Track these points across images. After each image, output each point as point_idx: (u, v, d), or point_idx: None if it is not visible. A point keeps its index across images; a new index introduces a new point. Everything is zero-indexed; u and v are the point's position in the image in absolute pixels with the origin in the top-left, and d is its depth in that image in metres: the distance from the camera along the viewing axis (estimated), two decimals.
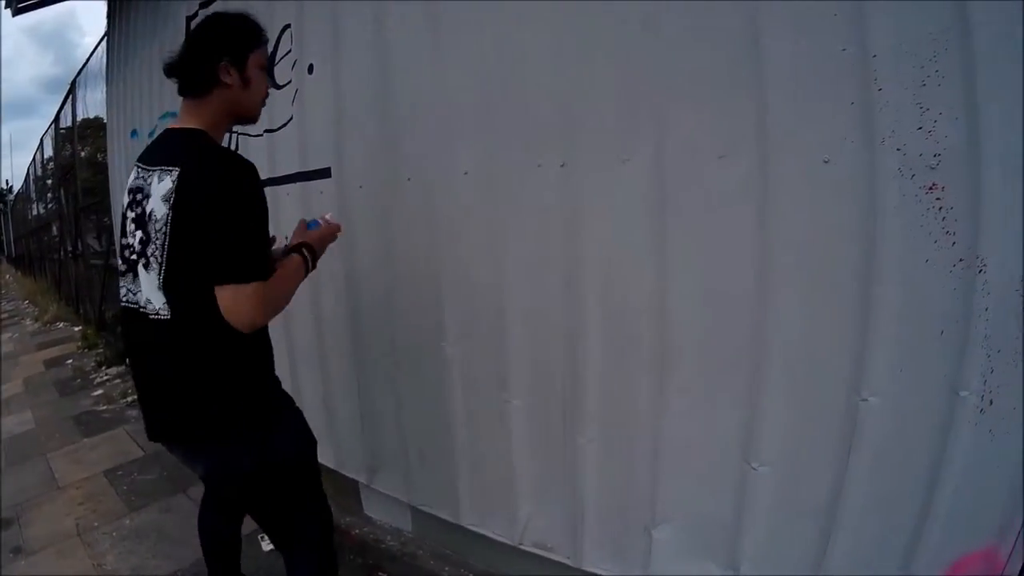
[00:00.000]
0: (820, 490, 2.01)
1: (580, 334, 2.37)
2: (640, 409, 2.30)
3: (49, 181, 17.49)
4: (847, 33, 1.76)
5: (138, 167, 1.97)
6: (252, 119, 2.13)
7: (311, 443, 2.24)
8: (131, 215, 1.94)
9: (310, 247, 2.17)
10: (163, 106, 5.05)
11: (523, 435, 2.65)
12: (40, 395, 7.04)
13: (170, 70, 2.01)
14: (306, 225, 2.30)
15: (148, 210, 1.84)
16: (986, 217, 1.67)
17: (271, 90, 3.28)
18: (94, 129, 12.24)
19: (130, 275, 1.94)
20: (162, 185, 1.82)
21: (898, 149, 1.73)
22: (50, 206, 17.45)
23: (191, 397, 1.89)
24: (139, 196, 1.91)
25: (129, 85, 5.90)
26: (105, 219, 9.75)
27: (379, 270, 3.03)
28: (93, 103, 10.01)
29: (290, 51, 3.31)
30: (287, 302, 2.04)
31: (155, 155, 1.94)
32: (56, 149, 14.83)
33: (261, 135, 3.54)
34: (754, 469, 2.10)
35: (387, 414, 3.20)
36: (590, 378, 2.39)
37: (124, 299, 1.99)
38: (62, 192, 14.27)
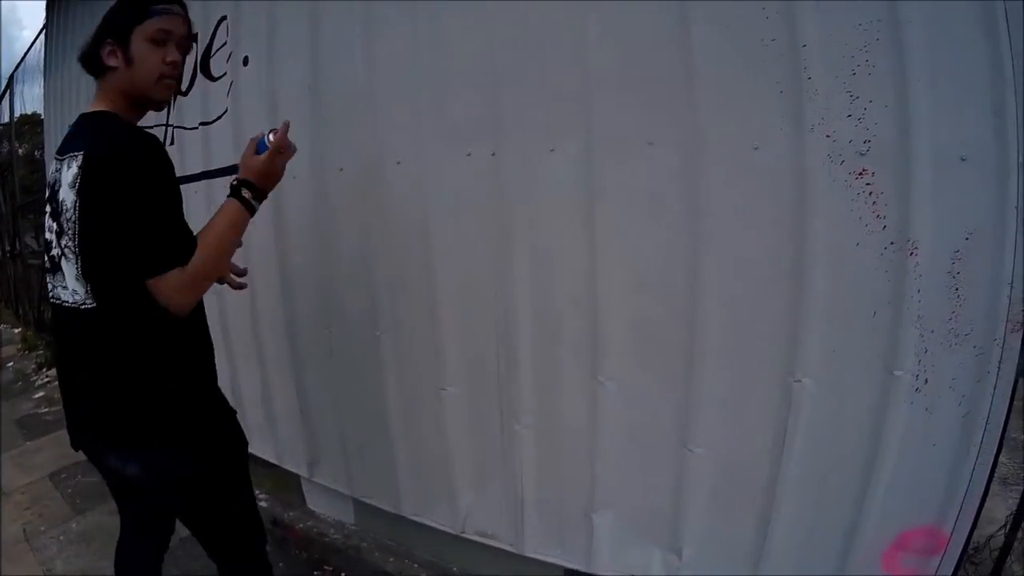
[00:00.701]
0: (758, 471, 2.04)
1: (512, 321, 2.38)
2: (574, 395, 2.31)
3: None
4: (776, 23, 1.78)
5: (55, 159, 1.90)
6: (150, 98, 1.94)
7: (243, 446, 2.21)
8: (48, 210, 1.89)
9: (250, 184, 1.95)
10: None
11: (460, 423, 2.65)
12: None
13: (79, 59, 1.94)
14: (255, 147, 2.00)
15: (61, 199, 1.79)
16: (916, 201, 1.70)
17: (207, 83, 3.24)
18: (32, 125, 12.05)
19: (53, 272, 1.88)
20: (70, 172, 1.76)
21: (828, 136, 1.75)
22: None
23: (119, 390, 1.81)
24: (54, 188, 1.85)
25: (67, 80, 5.80)
26: (43, 219, 9.58)
27: (313, 261, 3.02)
28: (31, 98, 9.83)
29: (226, 43, 3.27)
30: (225, 263, 1.99)
31: (66, 143, 1.87)
32: None
33: (196, 128, 3.52)
34: (691, 451, 2.12)
35: (325, 406, 3.19)
36: (524, 365, 2.40)
37: (51, 296, 1.92)
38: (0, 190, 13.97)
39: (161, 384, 1.84)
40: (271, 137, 1.98)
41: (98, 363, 1.82)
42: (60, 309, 1.87)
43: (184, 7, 1.94)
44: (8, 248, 12.83)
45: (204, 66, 3.43)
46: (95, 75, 1.91)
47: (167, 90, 1.95)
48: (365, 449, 3.06)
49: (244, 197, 1.92)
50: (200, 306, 1.94)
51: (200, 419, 1.95)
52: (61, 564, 3.49)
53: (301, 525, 3.53)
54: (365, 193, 2.69)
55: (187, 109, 3.61)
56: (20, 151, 12.80)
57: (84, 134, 1.83)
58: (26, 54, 9.13)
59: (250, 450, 3.55)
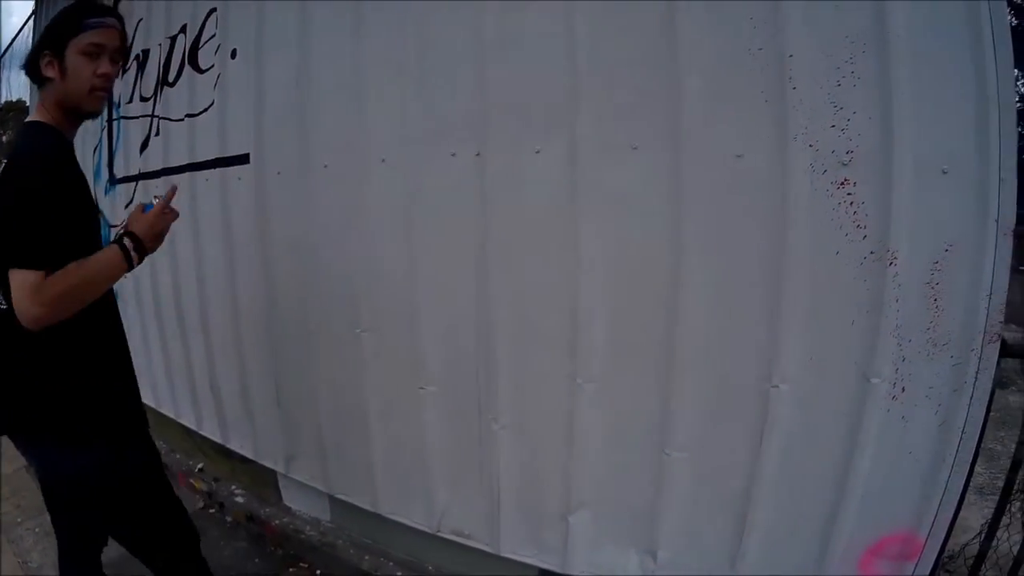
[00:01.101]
0: (735, 475, 2.05)
1: (493, 322, 2.38)
2: (553, 395, 2.31)
3: None
4: (763, 32, 1.79)
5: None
6: (81, 109, 1.98)
7: (155, 453, 2.16)
8: None
9: (134, 236, 1.91)
10: None
11: (438, 422, 2.64)
12: None
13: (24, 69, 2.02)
14: (143, 209, 1.99)
15: None
16: (897, 212, 1.72)
17: (195, 75, 3.22)
18: (17, 112, 11.97)
19: None
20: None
21: (811, 145, 1.77)
22: None
23: (27, 390, 1.87)
24: None
25: None
26: None
27: (295, 257, 3.01)
28: (17, 85, 9.78)
29: (214, 36, 3.25)
30: (87, 297, 1.82)
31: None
32: None
33: (183, 119, 3.49)
34: (668, 455, 2.13)
35: (303, 403, 3.17)
36: (503, 365, 2.40)
37: None
38: None
39: (65, 384, 1.87)
40: (155, 200, 2.01)
41: (10, 359, 1.87)
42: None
43: (120, 20, 1.99)
44: None
45: (192, 58, 3.41)
46: (37, 84, 1.96)
47: (98, 102, 2.00)
48: (342, 446, 3.05)
49: (126, 247, 1.88)
50: (115, 315, 2.02)
51: (107, 419, 1.95)
52: (37, 556, 3.46)
53: (277, 521, 3.51)
54: (349, 190, 2.69)
55: (173, 100, 3.59)
56: (4, 138, 12.72)
57: (15, 141, 1.97)
58: (13, 40, 9.07)
59: (228, 444, 3.54)
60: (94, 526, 2.21)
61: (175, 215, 2.04)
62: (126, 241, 1.88)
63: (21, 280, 1.69)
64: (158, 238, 1.98)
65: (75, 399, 1.88)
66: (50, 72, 1.88)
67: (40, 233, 1.73)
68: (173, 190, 2.05)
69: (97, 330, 1.93)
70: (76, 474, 1.91)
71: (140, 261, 1.92)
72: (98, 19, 1.95)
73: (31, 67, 1.92)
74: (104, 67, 1.94)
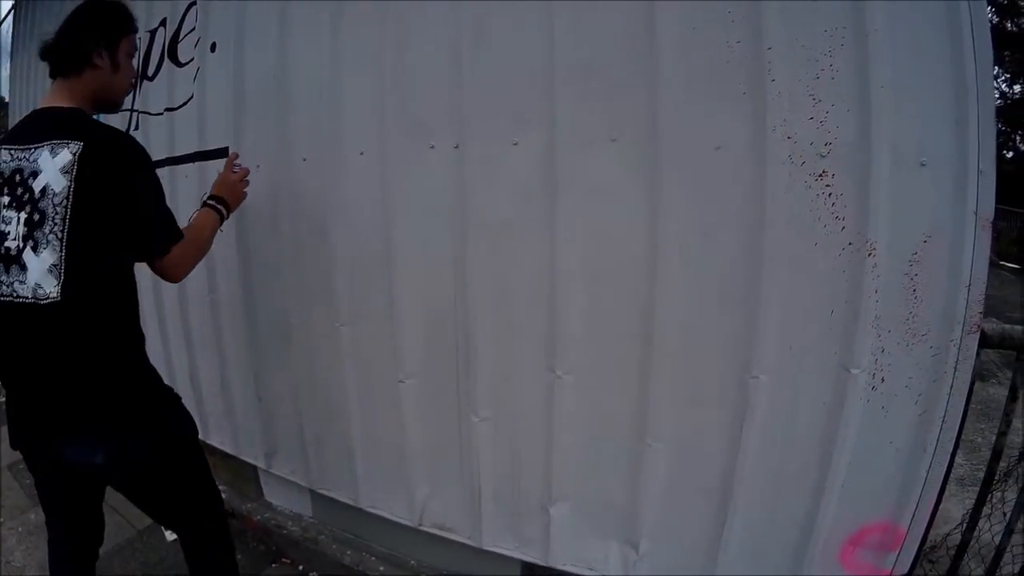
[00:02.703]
0: (715, 465, 2.06)
1: (471, 314, 2.38)
2: (532, 387, 2.31)
3: None
4: (742, 25, 1.79)
5: (8, 151, 1.90)
6: (115, 106, 2.17)
7: (194, 424, 2.21)
8: (4, 200, 1.86)
9: (221, 199, 2.36)
10: None
11: (418, 415, 2.64)
12: None
13: (44, 52, 2.02)
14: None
15: (40, 187, 1.79)
16: (875, 203, 1.73)
17: (174, 68, 3.21)
18: None
19: (7, 267, 1.83)
20: (58, 158, 1.78)
21: (789, 137, 1.77)
22: None
23: (84, 380, 1.85)
24: (20, 177, 1.84)
25: (35, 61, 5.69)
26: None
27: (274, 251, 2.99)
28: None
29: (194, 29, 3.23)
30: (204, 253, 2.23)
31: (32, 133, 1.90)
32: None
33: (162, 113, 3.48)
34: (649, 445, 2.13)
35: (283, 397, 3.16)
36: (482, 357, 2.40)
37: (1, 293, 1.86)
38: None
39: (124, 372, 1.93)
40: (237, 167, 2.52)
41: (64, 357, 1.83)
42: (13, 306, 1.83)
43: None
44: None
45: (171, 51, 3.39)
46: (68, 71, 1.97)
47: (125, 98, 2.20)
48: (323, 441, 3.05)
49: (219, 208, 2.34)
50: (135, 298, 2.02)
51: (163, 395, 2.08)
52: (20, 555, 3.45)
53: (259, 517, 3.51)
54: (327, 183, 2.67)
55: (152, 95, 3.57)
56: None
57: (67, 126, 1.86)
58: None
59: (208, 440, 3.53)
60: (100, 525, 2.25)
61: (234, 170, 2.52)
62: (218, 205, 2.34)
63: (173, 256, 1.96)
64: (240, 199, 2.50)
65: (132, 383, 1.96)
66: (100, 62, 1.97)
67: (171, 215, 1.99)
68: (235, 156, 2.58)
69: (133, 315, 2.00)
70: (156, 453, 1.98)
71: (229, 213, 2.40)
72: (137, 26, 2.15)
73: (74, 53, 1.95)
74: (135, 71, 2.20)
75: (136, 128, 3.69)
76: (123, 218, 1.81)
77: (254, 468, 3.56)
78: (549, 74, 2.08)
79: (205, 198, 2.37)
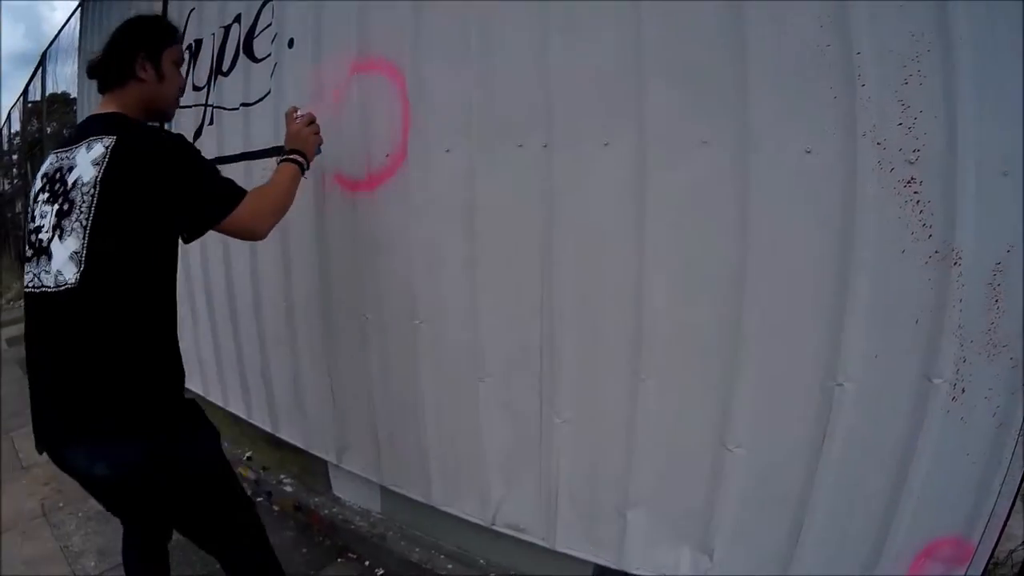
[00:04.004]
0: (794, 473, 2.04)
1: (557, 315, 2.37)
2: (615, 390, 2.30)
3: (15, 156, 17.18)
4: (831, 29, 1.78)
5: (57, 153, 1.98)
6: (166, 114, 2.23)
7: (212, 441, 2.09)
8: (43, 197, 1.92)
9: (299, 152, 2.40)
10: None
11: (496, 414, 2.64)
12: (3, 373, 6.84)
13: (91, 70, 2.09)
14: (294, 118, 2.54)
15: (72, 180, 1.83)
16: (962, 211, 1.71)
17: (250, 64, 3.26)
18: (61, 104, 12.09)
19: (37, 258, 1.87)
20: (92, 152, 1.83)
21: (878, 143, 1.76)
22: (15, 182, 17.16)
23: (99, 375, 1.80)
24: (59, 174, 1.89)
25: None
26: None
27: (353, 247, 3.01)
28: (62, 77, 9.90)
29: (270, 25, 3.28)
30: (288, 204, 2.26)
31: (76, 136, 1.97)
32: (23, 124, 14.59)
33: (237, 109, 3.52)
34: (730, 451, 2.12)
35: (357, 393, 3.17)
36: (566, 359, 2.39)
37: (29, 285, 1.90)
38: (28, 168, 14.03)
39: (134, 372, 1.85)
40: (298, 116, 2.55)
41: (73, 351, 1.81)
42: (37, 297, 1.86)
43: None
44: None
45: (247, 47, 3.44)
46: (114, 85, 2.05)
47: (176, 107, 2.26)
48: (396, 438, 3.06)
49: (298, 160, 2.37)
50: (173, 304, 2.01)
51: (169, 410, 1.95)
52: (79, 540, 3.50)
53: (326, 511, 3.53)
54: (411, 180, 2.68)
55: (228, 90, 3.62)
56: (49, 129, 12.84)
57: (106, 126, 1.92)
58: (59, 33, 9.18)
59: (278, 434, 3.57)
60: (184, 517, 2.10)
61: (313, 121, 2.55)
62: (298, 158, 2.38)
63: (239, 215, 1.97)
64: (314, 144, 2.51)
65: (153, 381, 1.89)
66: (144, 74, 2.04)
67: (223, 177, 2.02)
68: (294, 109, 2.59)
69: (161, 311, 1.95)
70: (179, 462, 1.89)
71: (308, 167, 2.42)
72: (180, 36, 2.30)
73: (120, 66, 2.03)
74: (183, 78, 2.25)
75: (211, 123, 3.76)
76: (163, 201, 1.82)
77: (323, 463, 3.59)
78: (639, 75, 2.08)
79: (280, 158, 2.41)
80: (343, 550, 3.34)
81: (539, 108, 2.29)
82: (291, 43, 3.17)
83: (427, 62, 2.58)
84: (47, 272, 1.82)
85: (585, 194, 2.24)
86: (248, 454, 4.26)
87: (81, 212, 1.78)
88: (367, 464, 3.26)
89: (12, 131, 16.98)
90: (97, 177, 1.78)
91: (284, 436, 3.70)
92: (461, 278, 2.60)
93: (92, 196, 1.77)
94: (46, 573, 3.30)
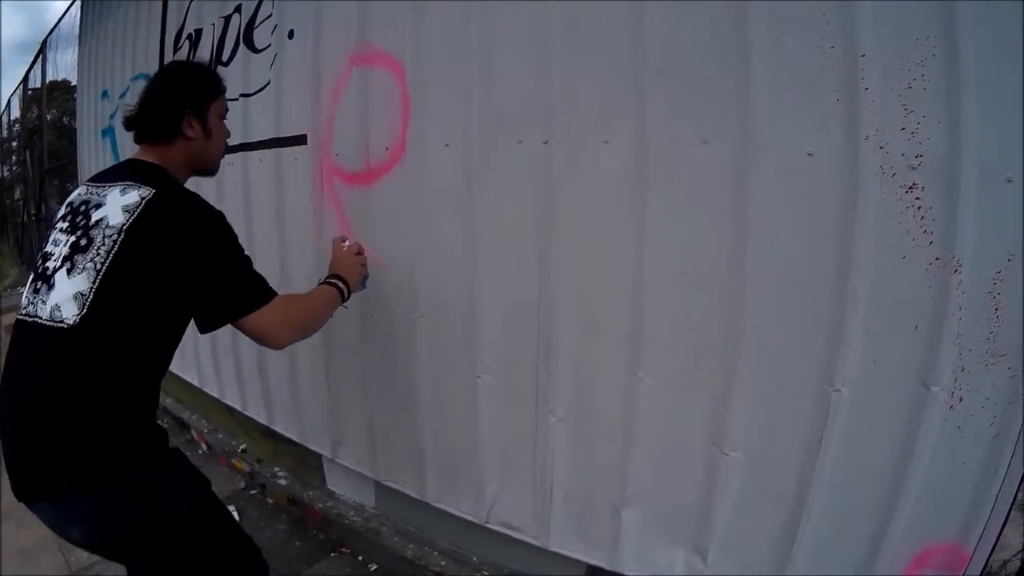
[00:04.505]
0: (790, 477, 2.04)
1: (555, 312, 2.37)
2: (612, 389, 2.30)
3: (14, 143, 17.20)
4: (836, 30, 1.77)
5: (89, 185, 1.91)
6: (211, 171, 2.18)
7: (207, 484, 1.97)
8: (63, 225, 1.84)
9: (341, 278, 2.29)
10: (135, 68, 5.01)
11: (492, 411, 2.64)
12: (2, 361, 6.80)
13: (129, 123, 2.02)
14: (342, 246, 2.48)
15: (98, 217, 1.76)
16: (963, 218, 1.70)
17: (250, 54, 3.25)
18: (61, 91, 12.15)
19: (39, 284, 1.78)
20: (126, 197, 1.77)
21: (881, 147, 1.75)
22: (14, 169, 17.19)
23: (78, 418, 1.66)
24: (85, 207, 1.82)
25: (102, 44, 5.83)
26: (68, 184, 9.60)
27: (350, 239, 2.93)
28: (63, 65, 9.94)
29: (271, 15, 3.27)
30: (317, 327, 2.17)
31: (114, 175, 1.91)
32: (23, 111, 14.61)
33: (237, 99, 3.48)
34: (725, 454, 2.12)
35: (353, 387, 3.17)
36: (563, 356, 2.38)
37: (24, 310, 1.80)
38: (27, 155, 14.06)
39: (119, 425, 1.73)
40: (346, 244, 2.50)
41: (55, 396, 1.68)
42: (27, 325, 1.77)
43: None
44: (33, 212, 12.90)
45: (247, 37, 3.44)
46: (157, 138, 1.98)
47: (221, 160, 2.21)
48: (392, 433, 3.05)
49: (340, 288, 2.27)
50: (166, 366, 1.90)
51: (165, 458, 1.86)
52: (85, 553, 3.49)
53: (320, 505, 3.53)
54: (410, 174, 2.67)
55: (228, 80, 3.56)
56: (48, 117, 12.87)
57: (148, 176, 1.86)
58: (60, 21, 9.20)
59: (273, 426, 3.56)
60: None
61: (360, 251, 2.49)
62: (340, 284, 2.27)
63: (267, 317, 1.85)
64: (358, 274, 2.42)
65: (136, 430, 1.78)
66: (190, 132, 1.99)
67: (254, 272, 1.90)
68: (342, 238, 2.52)
69: (152, 373, 1.85)
70: (167, 520, 1.77)
71: (347, 296, 2.31)
72: (225, 86, 2.18)
73: (160, 121, 1.97)
74: (227, 129, 2.20)
75: None
76: (185, 279, 1.74)
77: (318, 456, 3.60)
78: (640, 72, 2.07)
79: (323, 278, 2.33)
80: (337, 544, 3.35)
81: (540, 104, 2.28)
82: (291, 34, 3.15)
83: (428, 56, 2.57)
84: (43, 303, 1.73)
85: (584, 191, 2.23)
86: (243, 446, 4.26)
87: (98, 254, 1.70)
88: (362, 459, 3.26)
89: (12, 118, 17.01)
90: (124, 225, 1.71)
91: (279, 429, 3.69)
92: (460, 273, 2.59)
93: (114, 242, 1.70)
94: (40, 562, 3.32)
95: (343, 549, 3.31)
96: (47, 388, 1.69)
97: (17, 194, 16.27)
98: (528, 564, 2.74)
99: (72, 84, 8.78)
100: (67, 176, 10.28)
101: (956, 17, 1.64)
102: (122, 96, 5.27)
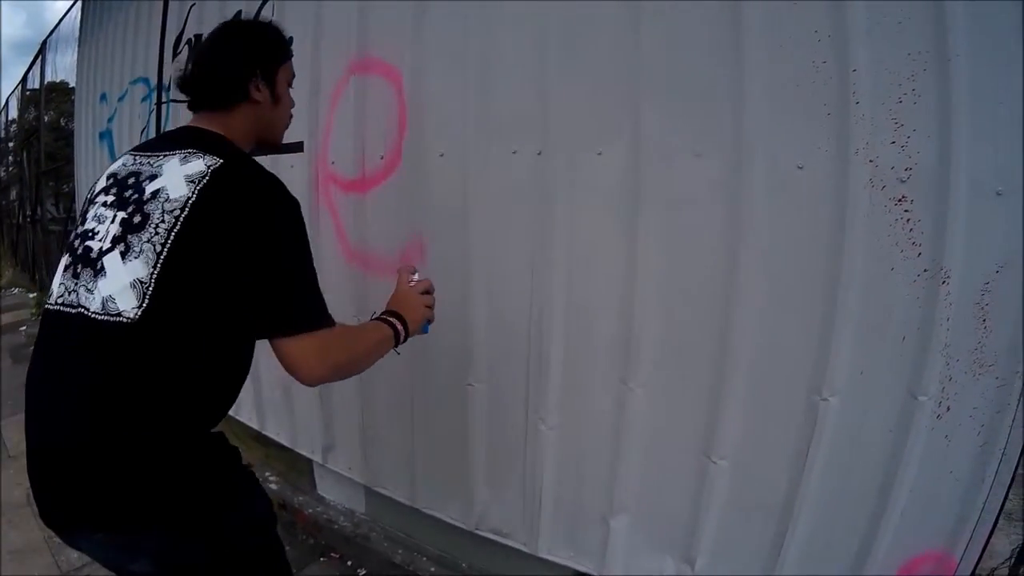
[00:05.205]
0: (778, 486, 2.05)
1: (546, 321, 2.37)
2: (603, 398, 2.31)
3: (11, 144, 17.18)
4: (828, 45, 1.79)
5: (136, 154, 1.62)
6: (276, 143, 1.88)
7: (272, 508, 1.72)
8: (106, 199, 1.54)
9: (403, 319, 1.80)
10: (135, 71, 5.03)
11: (483, 419, 2.65)
12: None
13: (185, 83, 1.70)
14: (408, 281, 1.94)
15: (153, 189, 1.46)
16: (952, 231, 1.72)
17: None
18: (59, 93, 12.13)
19: (79, 267, 1.49)
20: (189, 166, 1.47)
21: (871, 160, 1.77)
22: (11, 169, 17.16)
23: (132, 446, 1.39)
24: (135, 179, 1.52)
25: (102, 47, 5.85)
26: (64, 186, 9.59)
27: (346, 247, 3.00)
28: (62, 67, 9.92)
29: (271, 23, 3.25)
30: (361, 370, 1.71)
31: (170, 144, 1.58)
32: (20, 112, 14.59)
33: None
34: (714, 463, 2.13)
35: (345, 392, 3.15)
36: (554, 366, 2.39)
37: (59, 300, 1.51)
38: (24, 156, 14.04)
39: (193, 445, 1.49)
40: (414, 280, 1.92)
41: (113, 404, 1.39)
42: (69, 317, 1.47)
43: None
44: (29, 213, 12.89)
45: None
46: (218, 104, 1.67)
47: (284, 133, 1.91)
48: (383, 439, 3.06)
49: (398, 329, 1.76)
50: (244, 360, 1.62)
51: (243, 472, 1.64)
52: (76, 555, 3.49)
53: (310, 510, 3.53)
54: (405, 183, 2.68)
55: None
56: (46, 118, 12.85)
57: (211, 145, 1.55)
58: (60, 22, 9.20)
59: (264, 431, 3.55)
60: None
61: (416, 284, 1.92)
62: (398, 324, 1.77)
63: (301, 346, 1.47)
64: (421, 317, 1.89)
65: (206, 461, 1.51)
66: (258, 95, 1.69)
67: (318, 288, 1.55)
68: (412, 269, 1.96)
69: (232, 372, 1.60)
70: (253, 545, 1.59)
71: (404, 338, 1.81)
72: (292, 51, 1.87)
73: (224, 84, 1.66)
74: (293, 100, 1.88)
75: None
76: (248, 267, 1.42)
77: (309, 461, 3.60)
78: (635, 85, 2.09)
79: (377, 314, 1.85)
80: (327, 549, 3.34)
81: (535, 115, 2.29)
82: (290, 41, 3.14)
83: (425, 66, 2.58)
84: (90, 292, 1.44)
85: (577, 202, 2.25)
86: None
87: (157, 233, 1.41)
88: (353, 465, 3.27)
89: (9, 118, 16.99)
90: (190, 199, 1.42)
91: (270, 434, 3.70)
92: (453, 282, 2.56)
93: (176, 219, 1.41)
94: (30, 563, 3.31)
95: (333, 554, 3.31)
96: (104, 394, 1.40)
97: (13, 195, 16.26)
98: (518, 570, 2.74)
99: (71, 86, 8.78)
100: (63, 178, 10.27)
101: (947, 31, 1.66)
102: (120, 99, 5.29)
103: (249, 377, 1.88)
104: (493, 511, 2.72)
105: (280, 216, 1.49)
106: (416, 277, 1.93)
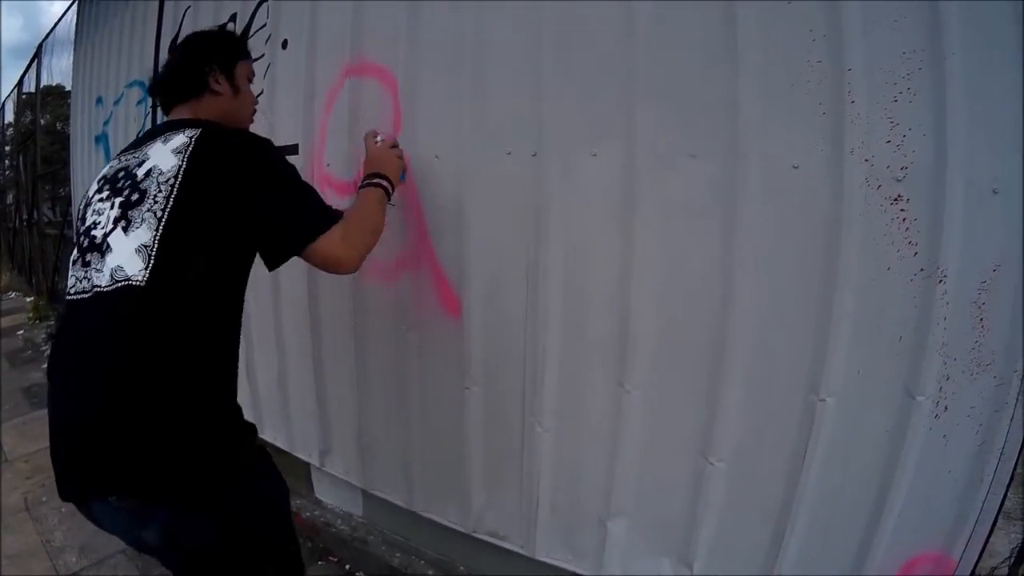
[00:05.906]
0: (776, 486, 2.05)
1: (542, 324, 2.37)
2: (599, 400, 2.30)
3: (7, 148, 17.16)
4: (823, 45, 1.79)
5: (120, 156, 1.80)
6: (244, 127, 2.08)
7: (287, 492, 1.83)
8: (100, 196, 1.69)
9: (379, 175, 2.17)
10: (130, 74, 5.04)
11: (480, 422, 2.64)
12: None
13: (155, 86, 1.99)
14: (374, 141, 2.37)
15: (145, 171, 1.62)
16: (948, 230, 1.71)
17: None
18: (55, 96, 12.15)
19: (87, 255, 1.62)
20: (171, 142, 1.65)
21: (866, 160, 1.76)
22: (7, 173, 17.14)
23: (145, 416, 1.47)
24: (124, 172, 1.69)
25: (97, 51, 5.85)
26: (60, 189, 9.59)
27: None
28: (58, 70, 9.92)
29: (265, 25, 3.27)
30: (380, 230, 2.06)
31: (148, 136, 1.78)
32: (16, 115, 14.57)
33: None
34: (711, 464, 2.12)
35: (342, 397, 3.17)
36: (551, 368, 2.38)
37: (73, 290, 1.64)
38: (20, 159, 14.02)
39: (205, 415, 1.57)
40: (379, 140, 2.38)
41: (127, 373, 1.49)
42: (85, 303, 1.59)
43: None
44: (25, 217, 12.87)
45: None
46: (185, 98, 1.92)
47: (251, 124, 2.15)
48: (380, 443, 3.06)
49: (383, 185, 2.16)
50: (239, 318, 1.79)
51: (259, 452, 1.76)
52: (61, 535, 3.50)
53: (307, 514, 3.53)
54: (400, 185, 2.61)
55: None
56: (42, 121, 12.84)
57: (188, 125, 1.74)
58: (56, 25, 9.20)
59: (261, 435, 3.54)
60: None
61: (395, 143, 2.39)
62: (383, 182, 2.15)
63: (330, 241, 1.76)
64: (398, 167, 2.32)
65: (220, 433, 1.61)
66: (217, 87, 1.94)
67: (317, 196, 1.83)
68: (374, 132, 2.40)
69: (231, 335, 1.74)
70: (265, 527, 1.69)
71: (394, 187, 2.22)
72: (250, 52, 2.19)
73: (186, 79, 1.92)
74: (254, 96, 2.17)
75: None
76: (248, 211, 1.62)
77: (306, 465, 3.59)
78: (629, 85, 2.08)
79: (361, 181, 2.20)
80: (324, 553, 3.34)
81: (529, 117, 2.28)
82: (285, 44, 3.16)
83: (420, 67, 2.58)
84: (99, 271, 1.56)
85: (572, 204, 2.24)
86: None
87: (156, 202, 1.55)
88: (350, 468, 3.26)
89: (5, 122, 16.97)
90: (180, 166, 1.58)
91: (267, 437, 3.68)
92: (448, 284, 2.59)
93: (172, 186, 1.56)
94: (28, 567, 3.31)
95: (330, 557, 3.31)
96: (121, 362, 1.49)
97: (9, 199, 16.24)
98: (515, 572, 2.74)
99: (67, 89, 8.78)
100: (60, 182, 10.30)
101: (942, 30, 1.65)
102: (116, 103, 5.29)
103: (245, 381, 1.91)
104: (490, 514, 2.71)
105: (263, 153, 1.74)
106: (380, 138, 2.30)
